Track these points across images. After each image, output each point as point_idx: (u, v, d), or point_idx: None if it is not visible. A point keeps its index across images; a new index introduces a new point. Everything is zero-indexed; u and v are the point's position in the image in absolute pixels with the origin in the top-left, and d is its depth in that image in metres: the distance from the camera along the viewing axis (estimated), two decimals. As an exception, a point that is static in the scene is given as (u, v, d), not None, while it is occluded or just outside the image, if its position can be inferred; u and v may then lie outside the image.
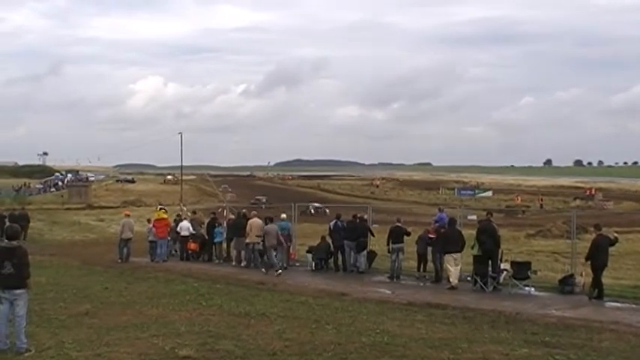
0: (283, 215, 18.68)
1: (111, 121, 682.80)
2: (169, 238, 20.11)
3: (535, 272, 14.27)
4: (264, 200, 50.91)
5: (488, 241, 14.26)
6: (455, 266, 14.41)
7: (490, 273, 14.19)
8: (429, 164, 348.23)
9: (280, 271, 16.29)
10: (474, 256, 14.61)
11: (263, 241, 17.50)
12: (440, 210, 19.53)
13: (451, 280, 14.35)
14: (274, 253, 16.73)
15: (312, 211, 39.72)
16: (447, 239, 14.72)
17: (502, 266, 14.29)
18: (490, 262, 14.27)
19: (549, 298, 13.14)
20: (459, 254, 14.45)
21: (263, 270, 16.61)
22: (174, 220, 21.17)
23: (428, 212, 29.90)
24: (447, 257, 14.52)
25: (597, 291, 12.75)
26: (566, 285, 13.66)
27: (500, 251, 14.55)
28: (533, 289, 13.83)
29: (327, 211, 37.65)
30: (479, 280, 14.23)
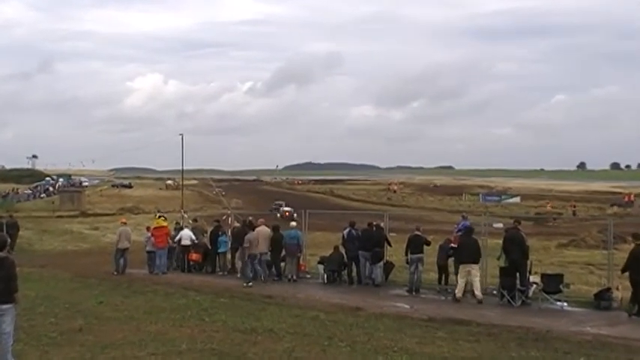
0: (293, 223, 18.75)
1: (106, 121, 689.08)
2: (174, 245, 20.24)
3: (568, 285, 14.20)
4: (284, 206, 52.69)
5: (516, 251, 14.24)
6: (469, 277, 14.53)
7: (518, 286, 14.15)
8: (450, 168, 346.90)
9: (251, 283, 16.59)
10: (501, 268, 14.60)
11: (271, 250, 17.80)
12: (463, 217, 19.33)
13: (456, 292, 14.54)
14: (252, 265, 17.15)
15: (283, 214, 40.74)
16: (461, 249, 14.86)
17: (531, 279, 14.24)
18: (518, 274, 14.23)
19: (583, 314, 13.08)
20: (473, 266, 14.52)
21: (245, 283, 16.77)
22: (175, 229, 21.27)
23: (450, 220, 29.83)
24: (460, 268, 14.67)
25: (637, 307, 12.63)
26: (602, 300, 13.57)
27: (528, 262, 14.50)
28: (565, 304, 13.78)
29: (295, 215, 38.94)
30: (506, 293, 14.18)
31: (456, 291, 14.57)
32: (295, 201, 63.36)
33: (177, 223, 22.78)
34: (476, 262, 14.63)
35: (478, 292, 14.40)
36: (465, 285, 14.85)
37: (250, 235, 17.32)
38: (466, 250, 14.66)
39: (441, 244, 16.17)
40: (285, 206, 54.37)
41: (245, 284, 16.46)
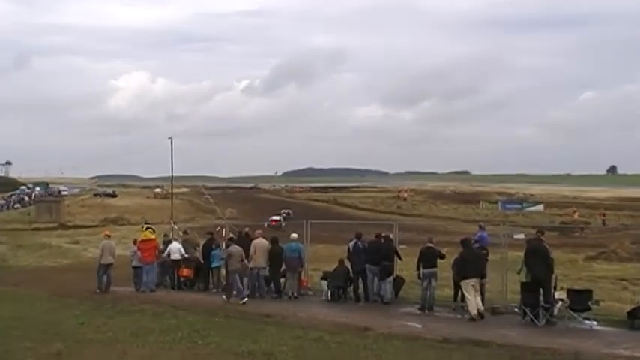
0: (294, 235, 18.72)
1: (88, 124, 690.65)
2: (164, 260, 20.28)
3: (597, 302, 14.15)
4: (291, 215, 55.02)
5: (539, 264, 14.23)
6: (475, 293, 14.60)
7: (542, 303, 14.12)
8: (466, 173, 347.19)
9: (246, 299, 16.78)
10: (522, 283, 14.60)
11: (270, 265, 17.91)
12: (480, 227, 19.24)
13: (470, 309, 14.54)
14: (238, 279, 17.32)
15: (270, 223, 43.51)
16: (463, 262, 14.95)
17: (556, 295, 14.21)
18: (541, 289, 14.21)
19: (616, 334, 13.02)
20: (477, 280, 14.74)
21: (224, 297, 17.22)
22: (163, 242, 21.30)
23: (465, 230, 29.58)
24: (465, 284, 14.76)
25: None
26: (636, 318, 13.53)
27: (553, 277, 14.46)
28: (595, 322, 13.72)
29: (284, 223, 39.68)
30: (528, 311, 14.15)
31: (470, 309, 14.59)
32: (296, 210, 63.74)
33: (165, 236, 22.81)
34: (482, 275, 14.87)
35: (474, 308, 14.54)
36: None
37: (232, 248, 17.51)
38: (470, 263, 14.78)
39: (457, 258, 15.81)
40: (285, 214, 55.76)
41: (224, 298, 16.91)
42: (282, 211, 60.11)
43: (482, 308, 14.64)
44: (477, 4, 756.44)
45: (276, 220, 50.39)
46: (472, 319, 14.38)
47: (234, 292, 17.18)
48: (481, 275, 15.20)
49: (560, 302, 14.08)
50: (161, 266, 20.38)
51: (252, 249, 17.81)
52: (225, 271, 18.29)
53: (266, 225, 39.70)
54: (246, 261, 17.56)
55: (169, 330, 12.33)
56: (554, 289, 14.31)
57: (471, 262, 14.81)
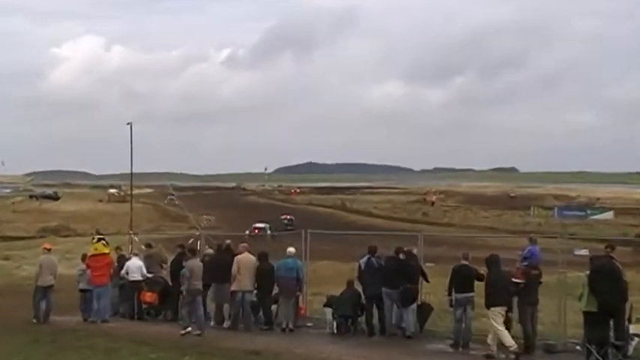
0: (290, 249, 18.69)
1: (22, 105, 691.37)
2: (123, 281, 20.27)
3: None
4: (293, 221, 57.10)
5: (609, 289, 14.05)
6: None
7: (612, 339, 14.04)
8: (512, 170, 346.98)
9: (189, 329, 17.12)
10: (585, 313, 14.42)
11: (258, 288, 18.02)
12: (531, 241, 19.46)
13: (507, 343, 14.65)
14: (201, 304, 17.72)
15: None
16: (490, 287, 15.14)
17: (631, 329, 14.17)
18: (612, 321, 14.15)
19: None
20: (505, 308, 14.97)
21: (182, 329, 17.26)
22: (118, 259, 21.26)
23: (511, 244, 29.47)
24: (493, 313, 14.93)
25: None
26: None
27: (627, 305, 14.38)
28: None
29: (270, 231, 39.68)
30: (594, 350, 13.99)
31: (506, 342, 14.66)
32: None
33: (117, 248, 22.75)
34: (508, 303, 15.07)
35: (491, 342, 14.84)
36: (534, 335, 15.10)
37: (191, 263, 17.78)
38: (498, 288, 15.01)
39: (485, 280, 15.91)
40: (286, 220, 56.47)
41: (184, 330, 17.06)
42: (282, 217, 61.36)
43: (494, 349, 14.77)
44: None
45: (258, 228, 51.00)
46: (515, 355, 14.50)
47: (193, 321, 17.36)
48: (533, 302, 15.37)
49: (637, 339, 14.04)
50: (117, 289, 20.35)
51: (235, 267, 17.85)
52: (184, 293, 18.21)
53: (247, 234, 39.74)
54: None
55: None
56: (629, 321, 14.26)
57: (498, 287, 14.96)
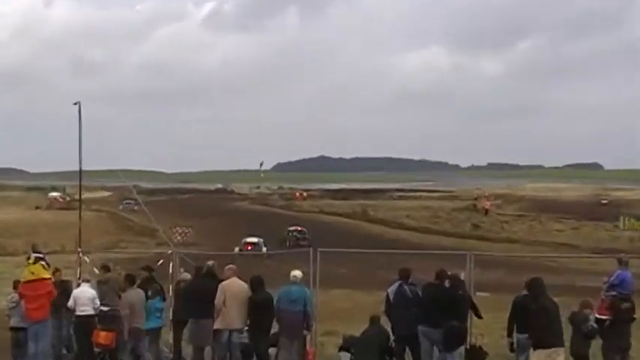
0: (295, 273, 16.43)
1: None
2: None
3: None
4: (306, 234, 54.13)
5: None
6: None
7: None
8: (595, 166, 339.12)
9: None
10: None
11: (252, 325, 16.13)
12: (621, 263, 17.10)
13: None
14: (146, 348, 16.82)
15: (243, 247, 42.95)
16: (534, 322, 13.59)
17: None
18: None
19: None
20: (560, 351, 13.34)
21: None
22: (60, 284, 18.83)
23: (594, 268, 27.95)
24: (539, 356, 13.48)
25: None
26: None
27: None
28: None
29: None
30: None
31: None
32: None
33: (56, 271, 20.02)
34: (561, 344, 13.47)
35: None
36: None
37: (131, 294, 16.82)
38: (545, 324, 13.30)
39: (577, 314, 14.69)
40: (295, 233, 55.07)
41: None
42: (292, 228, 58.04)
43: None
44: None
45: (251, 244, 47.11)
46: None
47: None
48: (624, 347, 15.00)
49: None
50: (61, 327, 18.40)
51: (219, 297, 15.80)
52: (172, 334, 17.55)
53: (236, 252, 37.82)
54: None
55: None
56: None
57: (546, 322, 13.27)
